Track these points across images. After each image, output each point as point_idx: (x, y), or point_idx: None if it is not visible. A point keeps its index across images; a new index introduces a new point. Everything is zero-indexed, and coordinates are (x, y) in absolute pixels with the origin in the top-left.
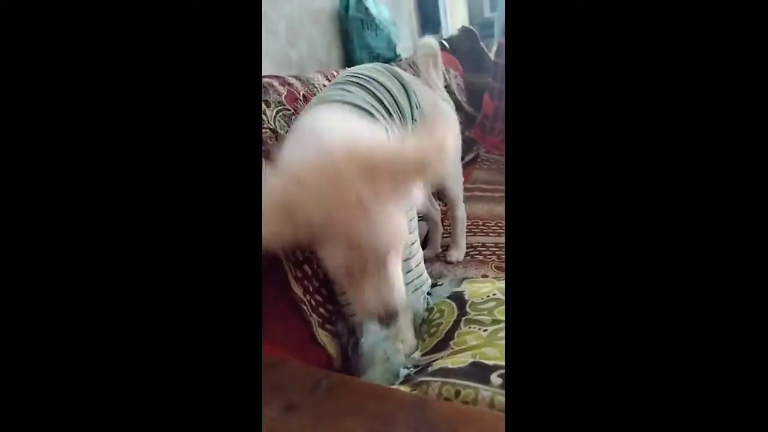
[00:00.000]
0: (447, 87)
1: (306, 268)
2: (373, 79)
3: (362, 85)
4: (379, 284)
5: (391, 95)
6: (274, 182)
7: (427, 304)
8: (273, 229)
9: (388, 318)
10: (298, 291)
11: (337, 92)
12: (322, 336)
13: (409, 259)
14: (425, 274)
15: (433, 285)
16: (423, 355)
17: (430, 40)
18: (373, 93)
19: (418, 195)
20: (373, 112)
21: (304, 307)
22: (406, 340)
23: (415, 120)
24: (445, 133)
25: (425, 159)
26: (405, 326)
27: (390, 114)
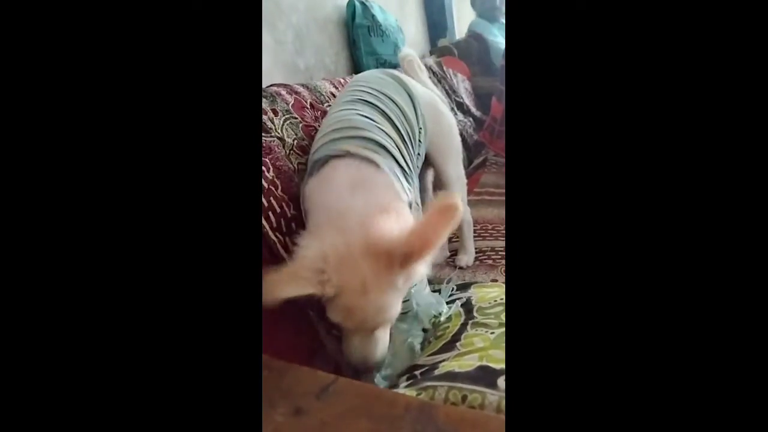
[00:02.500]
0: (455, 91)
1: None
2: (383, 94)
3: (374, 105)
4: (365, 343)
5: (400, 110)
6: (310, 251)
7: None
8: (302, 281)
9: (364, 371)
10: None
11: (352, 116)
12: (329, 342)
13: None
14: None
15: (433, 291)
16: (429, 355)
17: (405, 50)
18: (386, 114)
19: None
20: (387, 146)
21: (312, 313)
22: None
23: (421, 128)
24: (440, 227)
25: (418, 252)
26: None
27: (401, 135)
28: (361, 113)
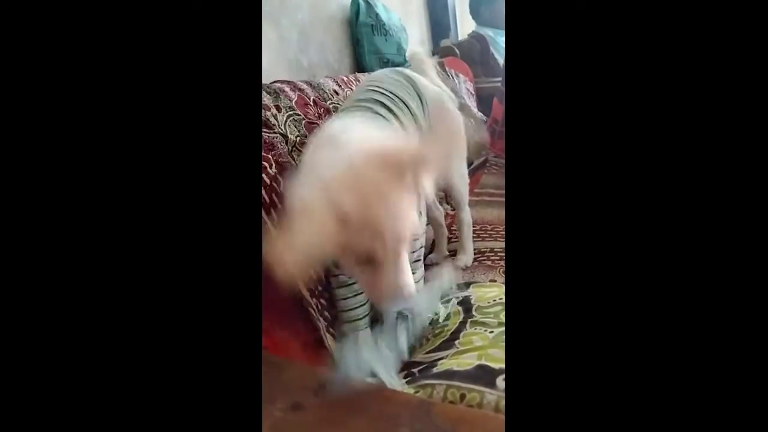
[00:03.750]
0: (456, 93)
1: (311, 271)
2: (397, 96)
3: (384, 104)
4: (396, 270)
5: (411, 113)
6: (312, 193)
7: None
8: (330, 235)
9: (403, 301)
10: (306, 294)
11: (360, 109)
12: (329, 339)
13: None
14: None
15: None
16: (427, 352)
17: (414, 49)
18: (397, 116)
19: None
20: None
21: (312, 311)
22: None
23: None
24: (448, 135)
25: (425, 154)
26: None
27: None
28: (371, 107)
